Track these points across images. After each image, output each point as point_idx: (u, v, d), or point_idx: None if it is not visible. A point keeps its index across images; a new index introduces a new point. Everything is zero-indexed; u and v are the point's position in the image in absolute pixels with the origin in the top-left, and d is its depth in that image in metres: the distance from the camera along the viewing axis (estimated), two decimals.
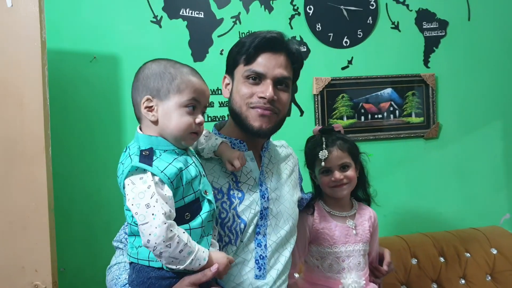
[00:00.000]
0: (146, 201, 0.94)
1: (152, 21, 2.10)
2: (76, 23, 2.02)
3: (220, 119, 2.16)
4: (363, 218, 1.58)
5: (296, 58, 1.26)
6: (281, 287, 1.25)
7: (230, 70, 1.27)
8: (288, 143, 2.20)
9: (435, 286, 2.11)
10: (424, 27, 2.36)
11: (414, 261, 2.10)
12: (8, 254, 1.48)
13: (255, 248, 1.20)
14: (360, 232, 1.54)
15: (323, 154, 1.49)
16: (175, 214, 0.97)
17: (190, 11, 2.14)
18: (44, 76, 1.56)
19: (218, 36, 2.16)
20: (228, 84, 1.28)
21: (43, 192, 1.53)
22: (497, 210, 2.49)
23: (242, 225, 1.18)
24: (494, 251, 2.19)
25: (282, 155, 1.39)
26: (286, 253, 1.28)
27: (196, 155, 1.13)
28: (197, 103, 1.06)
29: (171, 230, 0.94)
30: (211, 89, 2.00)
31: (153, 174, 0.97)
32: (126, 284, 1.10)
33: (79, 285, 1.97)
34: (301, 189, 1.52)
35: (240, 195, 1.21)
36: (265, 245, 1.22)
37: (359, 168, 1.59)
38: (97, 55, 2.03)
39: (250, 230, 1.20)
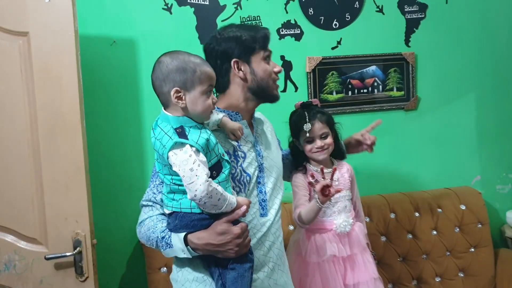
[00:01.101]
0: (190, 166, 1.20)
1: (163, 8, 2.35)
2: (99, 12, 2.26)
3: None
4: (342, 171, 1.92)
5: None
6: (278, 222, 1.59)
7: (245, 57, 1.52)
8: (283, 115, 2.50)
9: (410, 236, 2.45)
10: (405, 10, 2.62)
11: (392, 215, 2.44)
12: (54, 208, 1.77)
13: (258, 194, 1.52)
14: (342, 182, 1.89)
15: (307, 126, 1.84)
16: (209, 173, 1.25)
17: None
18: (78, 61, 1.82)
19: (222, 21, 2.40)
20: (243, 66, 1.51)
21: (80, 157, 1.79)
22: (470, 172, 2.78)
23: (248, 178, 1.49)
24: (463, 207, 2.52)
25: (262, 122, 1.68)
26: (279, 196, 1.61)
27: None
28: (211, 87, 1.34)
29: (211, 185, 1.21)
30: None
31: (191, 146, 1.23)
32: (164, 230, 1.37)
33: (108, 234, 2.27)
34: (280, 148, 1.86)
35: (243, 155, 1.50)
36: (265, 191, 1.53)
37: (334, 134, 1.92)
38: (116, 39, 2.30)
39: (253, 180, 1.51)
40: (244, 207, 1.33)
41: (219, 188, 1.26)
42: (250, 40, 1.52)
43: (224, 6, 2.43)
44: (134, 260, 2.34)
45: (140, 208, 1.51)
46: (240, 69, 1.52)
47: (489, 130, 2.78)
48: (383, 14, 2.60)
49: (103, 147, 2.30)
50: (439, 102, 2.71)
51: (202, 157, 1.25)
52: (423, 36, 2.65)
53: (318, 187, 1.65)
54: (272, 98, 1.58)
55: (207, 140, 1.28)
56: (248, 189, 1.50)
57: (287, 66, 2.52)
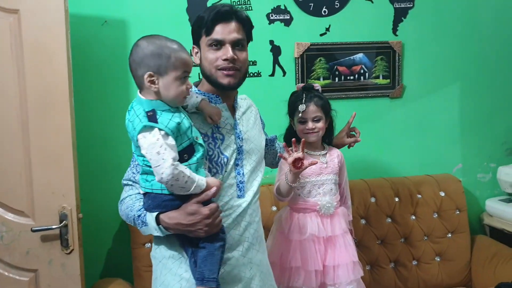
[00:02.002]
0: (156, 150, 1.25)
1: None
2: None
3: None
4: (332, 156, 1.99)
5: (245, 23, 1.54)
6: (255, 204, 1.63)
7: (196, 41, 1.55)
8: (272, 98, 2.56)
9: (389, 220, 2.52)
10: None
11: (372, 199, 2.51)
12: (43, 182, 1.83)
13: (236, 176, 1.55)
14: (331, 166, 1.96)
15: (302, 107, 1.91)
16: (178, 157, 1.28)
17: None
18: (68, 39, 1.86)
19: (213, 4, 2.44)
20: (197, 52, 1.54)
21: (68, 134, 1.85)
22: (451, 160, 2.85)
23: (225, 159, 1.51)
24: (442, 194, 2.59)
25: (245, 106, 1.70)
26: (258, 178, 1.64)
27: (183, 110, 1.44)
28: (186, 74, 1.36)
29: (177, 168, 1.25)
30: None
31: (159, 129, 1.26)
32: (141, 209, 1.41)
33: (95, 210, 2.34)
34: (265, 133, 1.88)
35: (221, 137, 1.53)
36: (243, 173, 1.57)
37: (329, 121, 1.99)
38: (108, 19, 2.34)
39: (231, 162, 1.53)
40: (213, 189, 1.37)
41: (186, 171, 1.30)
42: (198, 22, 1.52)
43: None
44: (120, 235, 2.41)
45: (123, 186, 1.56)
46: (196, 54, 1.55)
47: (471, 120, 2.84)
48: (372, 2, 2.63)
49: (93, 124, 2.35)
50: (424, 91, 2.77)
51: (170, 140, 1.29)
52: (411, 26, 2.69)
53: (290, 159, 1.70)
54: (220, 87, 1.53)
55: (178, 123, 1.31)
56: (226, 171, 1.53)
57: (276, 50, 2.56)
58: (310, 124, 1.91)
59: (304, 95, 1.93)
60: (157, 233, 1.39)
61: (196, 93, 1.56)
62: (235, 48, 1.51)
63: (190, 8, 2.43)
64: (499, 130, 2.88)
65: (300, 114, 1.91)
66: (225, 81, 1.51)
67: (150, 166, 1.31)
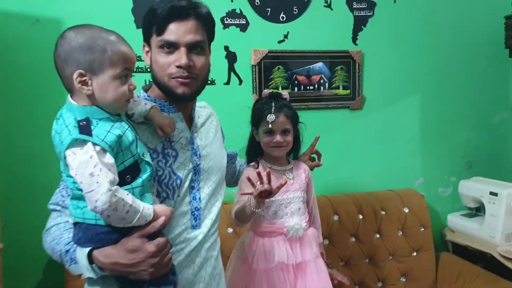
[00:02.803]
0: (89, 171, 0.98)
1: None
2: None
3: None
4: (299, 171, 1.78)
5: (206, 20, 1.29)
6: (214, 235, 1.39)
7: (146, 39, 1.30)
8: (227, 109, 2.36)
9: (353, 239, 2.37)
10: (354, 6, 2.54)
11: (335, 217, 2.34)
12: None
13: (191, 201, 1.30)
14: (298, 182, 1.75)
15: (271, 117, 1.67)
16: (118, 179, 1.03)
17: None
18: None
19: None
20: (148, 51, 1.30)
21: None
22: (412, 174, 2.76)
23: (178, 181, 1.27)
24: (406, 210, 2.48)
25: (205, 115, 1.47)
26: (218, 204, 1.41)
27: (128, 119, 1.18)
28: (128, 72, 1.10)
29: (116, 195, 0.99)
30: None
31: (94, 144, 1.01)
32: (70, 241, 1.12)
33: (20, 239, 2.04)
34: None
35: (174, 153, 1.28)
36: (199, 198, 1.32)
37: (295, 133, 1.79)
38: (40, 18, 2.07)
39: (186, 185, 1.29)
40: (161, 219, 1.10)
41: (128, 198, 1.03)
42: (149, 16, 1.26)
43: None
44: (51, 266, 2.10)
45: (49, 211, 1.26)
46: (147, 53, 1.29)
47: (431, 132, 2.77)
48: (331, 9, 2.51)
49: (19, 138, 2.07)
50: (384, 102, 2.67)
51: (108, 158, 1.03)
52: (371, 35, 2.59)
53: (255, 193, 1.46)
54: (173, 97, 1.29)
55: (119, 136, 1.06)
56: (179, 195, 1.28)
57: (231, 57, 2.37)
58: (279, 137, 1.69)
59: (273, 103, 1.72)
60: (89, 273, 1.10)
61: (145, 99, 1.29)
62: (192, 51, 1.26)
63: (136, 8, 2.20)
64: (459, 143, 2.83)
65: (269, 125, 1.68)
66: (179, 90, 1.26)
67: (82, 190, 1.03)
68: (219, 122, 1.59)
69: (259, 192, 1.45)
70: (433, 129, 2.76)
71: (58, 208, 1.21)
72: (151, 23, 1.25)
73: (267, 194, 1.47)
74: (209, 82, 2.25)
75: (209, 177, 1.38)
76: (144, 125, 1.24)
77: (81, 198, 1.05)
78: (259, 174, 1.46)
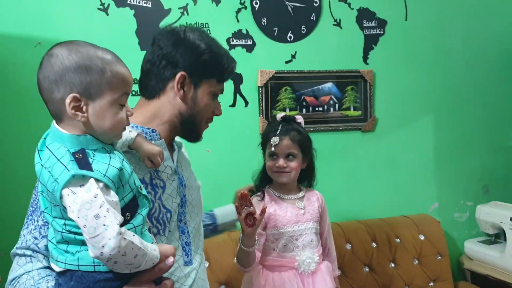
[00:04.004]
0: (94, 212, 0.84)
1: (99, 8, 2.09)
2: (21, 7, 1.99)
3: None
4: (311, 200, 1.68)
5: None
6: (204, 271, 1.31)
7: (197, 75, 1.21)
8: (233, 132, 2.28)
9: (367, 269, 2.25)
10: (364, 25, 2.47)
11: (348, 246, 2.23)
12: None
13: (180, 235, 1.22)
14: (310, 212, 1.64)
15: (274, 140, 1.60)
16: (123, 219, 0.89)
17: (137, 0, 2.15)
18: None
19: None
20: (188, 86, 1.21)
21: None
22: (427, 199, 2.64)
23: (168, 215, 1.18)
24: (422, 237, 2.36)
25: (181, 144, 1.37)
26: (202, 237, 1.34)
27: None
28: (126, 96, 0.98)
29: (125, 238, 0.86)
30: None
31: (96, 180, 0.87)
32: None
33: None
34: None
35: (162, 184, 1.19)
36: (187, 232, 1.23)
37: (308, 160, 1.69)
38: (42, 40, 2.01)
39: (175, 218, 1.21)
40: (170, 259, 0.97)
41: (136, 240, 0.89)
42: (213, 63, 1.21)
43: (169, 10, 2.19)
44: None
45: (12, 258, 1.08)
46: (183, 87, 1.19)
47: (446, 155, 2.66)
48: (341, 28, 2.44)
49: (16, 162, 1.98)
50: (397, 123, 2.57)
51: (112, 196, 0.89)
52: (382, 54, 2.51)
53: (242, 215, 1.40)
54: (194, 137, 1.28)
55: (120, 169, 0.92)
56: (169, 230, 1.18)
57: (237, 79, 2.29)
58: (281, 161, 1.60)
59: (280, 126, 1.63)
60: None
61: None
62: None
63: (141, 30, 2.14)
64: (475, 167, 2.72)
65: (272, 148, 1.60)
66: (201, 134, 1.29)
67: (75, 233, 0.90)
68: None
69: (244, 215, 1.40)
70: (448, 151, 2.66)
71: (29, 252, 1.05)
72: (217, 68, 1.22)
73: (251, 219, 1.41)
74: None
75: (193, 210, 1.30)
76: (128, 153, 1.13)
77: (72, 242, 0.92)
78: (243, 195, 1.41)
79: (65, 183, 0.86)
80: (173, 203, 1.20)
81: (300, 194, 1.68)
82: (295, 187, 1.69)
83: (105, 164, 0.90)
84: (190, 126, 1.23)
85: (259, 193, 1.66)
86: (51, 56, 0.92)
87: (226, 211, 1.63)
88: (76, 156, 0.89)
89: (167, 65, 1.18)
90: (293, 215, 1.61)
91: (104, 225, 0.84)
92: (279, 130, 1.62)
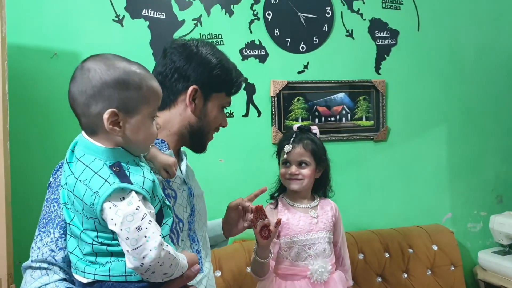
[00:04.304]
0: (136, 224, 0.86)
1: (114, 20, 2.13)
2: (38, 19, 2.03)
3: None
4: (325, 209, 1.69)
5: None
6: (213, 278, 1.33)
7: (208, 88, 1.25)
8: (246, 142, 2.30)
9: (379, 279, 2.24)
10: (376, 35, 2.48)
11: (361, 256, 2.22)
12: None
13: (191, 244, 1.24)
14: (323, 221, 1.65)
15: (287, 147, 1.63)
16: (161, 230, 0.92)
17: (152, 12, 2.19)
18: (4, 71, 1.57)
19: (180, 37, 2.21)
20: (199, 99, 1.24)
21: (1, 185, 1.54)
22: (440, 209, 2.63)
23: (181, 224, 1.20)
24: (435, 248, 2.34)
25: (185, 153, 1.40)
26: (209, 245, 1.36)
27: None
28: (156, 110, 1.01)
29: (163, 249, 0.88)
30: None
31: (137, 193, 0.88)
32: None
33: None
34: None
35: (173, 194, 1.20)
36: (197, 240, 1.26)
37: (323, 170, 1.70)
38: (58, 51, 2.04)
39: (186, 228, 1.23)
40: (196, 267, 0.99)
41: (171, 250, 0.91)
42: (224, 77, 1.26)
43: (183, 21, 2.22)
44: None
45: (23, 271, 1.07)
46: (194, 100, 1.23)
47: (459, 165, 2.65)
48: (353, 39, 2.45)
49: (34, 173, 2.00)
50: (410, 133, 2.56)
51: (150, 207, 0.91)
52: (394, 64, 2.51)
53: (258, 228, 1.41)
54: (201, 148, 1.31)
55: (153, 181, 0.94)
56: (182, 239, 1.20)
57: (250, 89, 2.31)
58: (294, 169, 1.62)
59: (294, 135, 1.67)
60: None
61: None
62: None
63: (155, 41, 2.18)
64: (488, 177, 2.70)
65: (285, 155, 1.63)
66: (208, 143, 1.33)
67: (107, 245, 0.91)
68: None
69: (260, 228, 1.40)
70: (461, 161, 2.64)
71: (45, 265, 1.03)
72: (226, 83, 1.27)
73: (266, 231, 1.41)
74: (227, 114, 2.22)
75: (201, 219, 1.32)
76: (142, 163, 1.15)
77: (101, 253, 0.92)
78: (259, 208, 1.42)
79: (107, 196, 0.86)
80: (184, 213, 1.22)
81: (314, 203, 1.69)
82: (309, 196, 1.70)
83: (141, 176, 0.92)
84: (198, 137, 1.27)
85: (272, 201, 1.68)
86: (89, 70, 0.92)
87: (211, 226, 1.55)
88: (114, 169, 0.90)
89: (180, 79, 1.22)
90: (306, 224, 1.61)
91: (145, 236, 0.85)
92: (292, 138, 1.65)
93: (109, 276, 0.92)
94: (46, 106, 2.03)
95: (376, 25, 2.48)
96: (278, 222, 1.45)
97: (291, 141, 1.64)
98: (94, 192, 0.87)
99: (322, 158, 1.67)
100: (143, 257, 0.85)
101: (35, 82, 2.02)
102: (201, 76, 1.22)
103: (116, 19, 2.13)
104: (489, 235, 2.60)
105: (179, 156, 1.31)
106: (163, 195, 0.99)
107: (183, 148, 1.37)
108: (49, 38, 2.04)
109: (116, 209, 0.86)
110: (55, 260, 1.02)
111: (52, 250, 1.03)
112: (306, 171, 1.63)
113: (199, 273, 1.21)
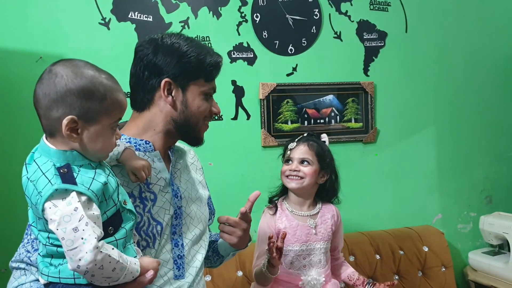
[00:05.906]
0: (73, 225, 0.86)
1: (100, 23, 2.10)
2: (23, 22, 2.00)
3: None
4: (325, 217, 1.66)
5: None
6: (199, 284, 1.27)
7: (182, 78, 1.19)
8: (235, 145, 2.28)
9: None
10: (364, 37, 2.48)
11: (351, 258, 2.21)
12: None
13: (173, 248, 1.19)
14: (321, 231, 1.62)
15: (291, 145, 1.64)
16: (103, 233, 0.91)
17: (138, 15, 2.16)
18: None
19: None
20: (176, 91, 1.19)
21: None
22: (430, 210, 2.63)
23: (159, 228, 1.16)
24: (426, 249, 2.34)
25: (184, 153, 1.36)
26: (202, 250, 1.29)
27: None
28: (119, 121, 1.01)
29: (101, 252, 0.87)
30: None
31: (79, 194, 0.89)
32: None
33: None
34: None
35: (152, 197, 1.17)
36: (182, 244, 1.21)
37: (328, 176, 1.69)
38: (43, 55, 2.02)
39: (167, 231, 1.19)
40: (150, 273, 0.97)
41: (115, 253, 0.90)
42: (196, 63, 1.18)
43: (170, 24, 2.21)
44: None
45: (11, 270, 1.11)
46: (171, 93, 1.18)
47: (448, 166, 2.65)
48: (341, 40, 2.45)
49: (20, 178, 1.96)
50: (399, 135, 2.57)
51: (94, 209, 0.90)
52: (383, 66, 2.51)
53: (276, 256, 1.39)
54: (195, 140, 1.26)
55: (104, 184, 0.94)
56: (160, 243, 1.16)
57: (238, 91, 2.30)
58: (295, 165, 1.60)
59: (301, 136, 1.69)
60: None
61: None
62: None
63: None
64: (477, 177, 2.71)
65: (288, 152, 1.63)
66: (202, 134, 1.27)
67: (58, 246, 0.91)
68: (198, 158, 1.46)
69: (278, 256, 1.40)
70: (450, 162, 2.65)
71: (22, 265, 1.07)
72: (198, 69, 1.19)
73: (278, 252, 1.40)
74: (216, 118, 2.20)
75: (192, 222, 1.26)
76: (118, 167, 1.13)
77: (55, 255, 0.93)
78: (269, 238, 1.39)
79: (48, 197, 0.88)
80: (165, 215, 1.18)
81: (314, 211, 1.66)
82: (311, 201, 1.67)
83: (89, 178, 0.92)
84: (186, 130, 1.22)
85: (271, 206, 1.65)
86: (56, 75, 0.93)
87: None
88: (61, 170, 0.91)
89: (151, 75, 1.17)
90: (303, 234, 1.60)
91: (82, 238, 0.86)
92: (299, 138, 1.67)
93: (59, 278, 0.93)
94: (31, 110, 1.99)
95: (364, 27, 2.48)
96: (284, 237, 1.42)
97: (296, 140, 1.66)
98: (38, 192, 0.89)
99: (327, 162, 1.66)
100: (79, 259, 0.86)
101: (20, 86, 1.99)
102: (171, 67, 1.16)
103: (102, 22, 2.11)
104: (479, 235, 2.60)
105: (169, 158, 1.26)
106: (122, 199, 0.99)
107: (186, 148, 1.36)
108: (35, 41, 2.02)
109: (56, 209, 0.87)
110: (30, 260, 1.05)
111: (28, 251, 1.06)
112: (307, 169, 1.61)
113: (179, 279, 1.19)
